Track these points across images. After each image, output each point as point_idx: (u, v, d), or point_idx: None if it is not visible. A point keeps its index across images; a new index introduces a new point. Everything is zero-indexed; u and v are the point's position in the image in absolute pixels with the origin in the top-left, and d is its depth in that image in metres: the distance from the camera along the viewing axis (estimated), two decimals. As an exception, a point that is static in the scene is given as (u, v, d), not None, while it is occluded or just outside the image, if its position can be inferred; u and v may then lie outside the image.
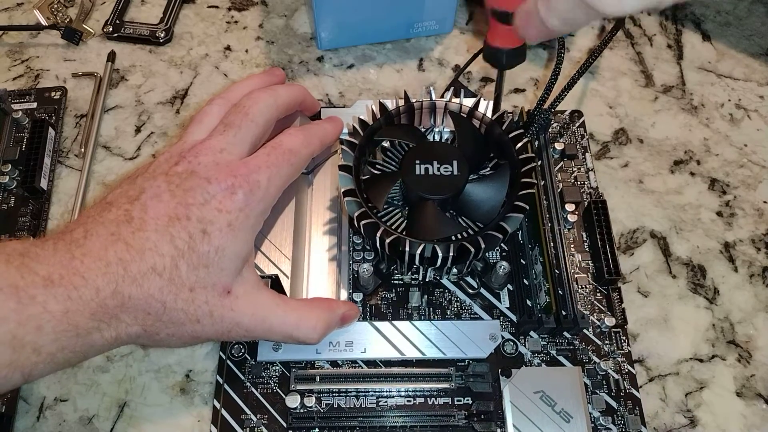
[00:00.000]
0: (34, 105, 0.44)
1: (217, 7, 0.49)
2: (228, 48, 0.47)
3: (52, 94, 0.44)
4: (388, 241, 0.30)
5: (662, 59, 0.46)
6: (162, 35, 0.47)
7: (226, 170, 0.29)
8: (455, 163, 0.32)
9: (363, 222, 0.30)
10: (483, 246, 0.30)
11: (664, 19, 0.48)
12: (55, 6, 0.48)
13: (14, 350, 0.24)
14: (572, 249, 0.37)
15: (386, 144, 0.35)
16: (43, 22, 0.47)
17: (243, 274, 0.29)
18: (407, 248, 0.30)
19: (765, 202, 0.40)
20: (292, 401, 0.32)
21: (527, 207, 0.31)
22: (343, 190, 0.31)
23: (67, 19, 0.48)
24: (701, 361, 0.35)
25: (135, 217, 0.27)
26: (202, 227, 0.28)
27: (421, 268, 0.35)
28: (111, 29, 0.47)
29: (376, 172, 0.34)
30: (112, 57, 0.46)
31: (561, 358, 0.34)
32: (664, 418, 0.33)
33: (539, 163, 0.38)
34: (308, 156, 0.33)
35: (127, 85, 0.45)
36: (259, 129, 0.31)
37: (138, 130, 0.44)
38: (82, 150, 0.42)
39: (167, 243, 0.27)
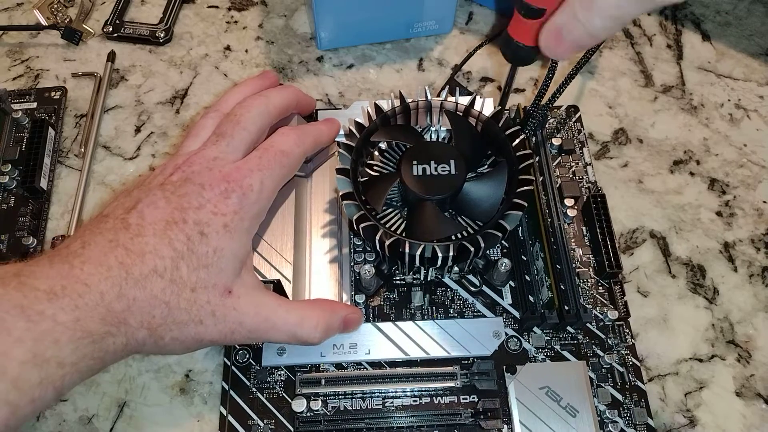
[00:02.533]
0: (34, 105, 0.44)
1: (216, 7, 0.49)
2: (228, 48, 0.47)
3: (52, 94, 0.44)
4: (387, 243, 0.30)
5: (662, 59, 0.46)
6: (162, 35, 0.47)
7: (218, 175, 0.29)
8: (452, 162, 0.32)
9: (362, 225, 0.30)
10: (483, 245, 0.30)
11: (664, 19, 0.48)
12: (55, 6, 0.48)
13: (40, 368, 0.24)
14: (573, 244, 0.37)
15: (383, 145, 0.35)
16: (43, 22, 0.47)
17: (242, 276, 0.30)
18: (407, 249, 0.30)
19: (764, 201, 0.40)
20: (299, 405, 0.32)
21: (526, 204, 0.31)
22: (341, 193, 0.31)
23: (67, 19, 0.48)
24: (701, 361, 0.35)
25: (132, 224, 0.28)
26: (199, 229, 0.28)
27: (423, 267, 0.35)
28: (111, 29, 0.47)
29: (373, 173, 0.34)
30: (112, 57, 0.46)
31: (565, 353, 0.34)
32: (663, 418, 0.33)
33: (537, 159, 0.38)
34: (301, 155, 0.33)
35: (127, 85, 0.46)
36: (252, 136, 0.32)
37: (138, 130, 0.44)
38: (82, 150, 0.42)
39: (166, 246, 0.27)
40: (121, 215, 0.28)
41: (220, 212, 0.29)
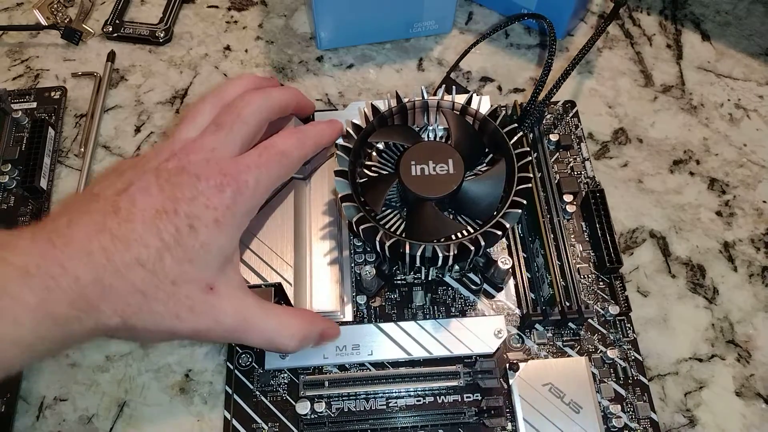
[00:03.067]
0: (34, 105, 0.44)
1: (216, 7, 0.49)
2: (228, 48, 0.47)
3: (52, 93, 0.44)
4: (387, 244, 0.30)
5: (662, 59, 0.46)
6: (162, 35, 0.47)
7: (215, 168, 0.29)
8: (450, 161, 0.32)
9: (362, 226, 0.30)
10: (483, 244, 0.30)
11: (664, 18, 0.48)
12: (55, 6, 0.48)
13: None
14: (572, 239, 0.37)
15: (381, 146, 0.35)
16: (43, 22, 0.47)
17: (227, 273, 0.29)
18: (407, 250, 0.30)
19: (764, 201, 0.40)
20: (303, 407, 0.32)
21: (525, 202, 0.31)
22: (340, 195, 0.31)
23: (67, 19, 0.48)
24: (700, 360, 0.35)
25: (122, 209, 0.27)
26: (189, 222, 0.28)
27: (423, 267, 0.35)
28: (111, 29, 0.47)
29: (372, 174, 0.34)
30: (111, 57, 0.46)
31: (567, 349, 0.34)
32: (663, 417, 0.33)
33: (535, 155, 0.38)
34: (301, 158, 0.33)
35: (126, 84, 0.46)
36: (251, 130, 0.32)
37: (138, 129, 0.44)
38: (82, 150, 0.42)
39: (154, 235, 0.27)
40: (112, 197, 0.28)
41: (213, 206, 0.28)
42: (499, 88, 0.45)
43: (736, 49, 0.46)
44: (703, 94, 0.44)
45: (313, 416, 0.32)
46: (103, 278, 0.26)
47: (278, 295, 0.33)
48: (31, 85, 0.46)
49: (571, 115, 0.42)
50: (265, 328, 0.30)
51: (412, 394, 0.33)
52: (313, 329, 0.31)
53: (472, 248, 0.30)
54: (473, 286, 0.36)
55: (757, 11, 0.48)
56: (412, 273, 0.36)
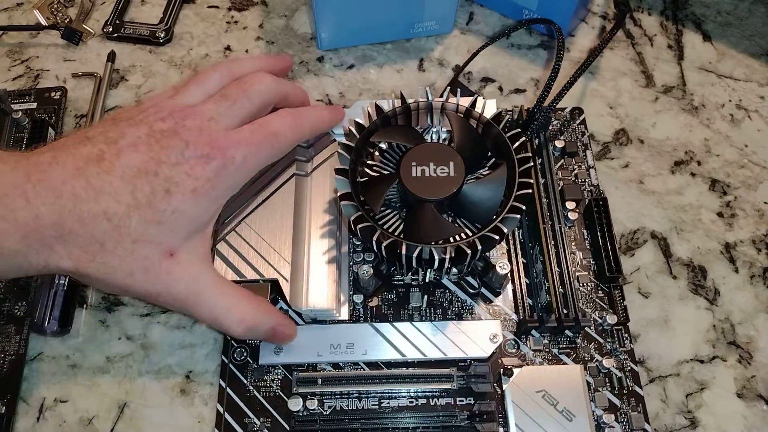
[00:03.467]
0: (34, 105, 0.44)
1: (217, 7, 0.49)
2: (228, 48, 0.47)
3: (52, 94, 0.44)
4: (384, 244, 0.30)
5: (663, 59, 0.46)
6: (162, 35, 0.47)
7: (206, 138, 0.29)
8: (452, 164, 0.32)
9: (359, 225, 0.30)
10: (480, 248, 0.30)
11: (665, 19, 0.48)
12: (55, 6, 0.48)
13: None
14: (573, 247, 0.37)
15: (384, 145, 0.35)
16: (43, 22, 0.47)
17: (193, 242, 0.29)
18: (404, 251, 0.30)
19: (766, 202, 0.40)
20: (295, 404, 0.32)
21: (524, 207, 0.31)
22: (339, 193, 0.31)
23: (67, 19, 0.48)
24: (702, 362, 0.35)
25: (106, 159, 0.27)
26: (166, 186, 0.28)
27: (420, 269, 0.35)
28: (111, 29, 0.47)
29: (373, 174, 0.34)
30: (112, 57, 0.46)
31: (563, 357, 0.34)
32: (664, 419, 0.33)
33: (540, 161, 0.38)
34: (294, 141, 0.33)
35: (127, 85, 0.45)
36: (254, 108, 0.32)
37: (138, 130, 0.43)
38: (82, 150, 0.42)
39: (127, 192, 0.27)
40: (100, 144, 0.28)
41: (194, 175, 0.28)
42: (500, 89, 0.45)
43: (737, 49, 0.46)
44: (704, 94, 0.44)
45: (305, 413, 0.32)
46: (65, 223, 0.26)
47: (274, 291, 0.33)
48: (31, 85, 0.45)
49: (578, 122, 0.42)
50: (214, 304, 0.30)
51: (404, 395, 0.33)
52: (264, 320, 0.31)
53: (469, 252, 0.29)
54: (471, 290, 0.36)
55: (759, 12, 0.48)
56: (410, 274, 0.36)
